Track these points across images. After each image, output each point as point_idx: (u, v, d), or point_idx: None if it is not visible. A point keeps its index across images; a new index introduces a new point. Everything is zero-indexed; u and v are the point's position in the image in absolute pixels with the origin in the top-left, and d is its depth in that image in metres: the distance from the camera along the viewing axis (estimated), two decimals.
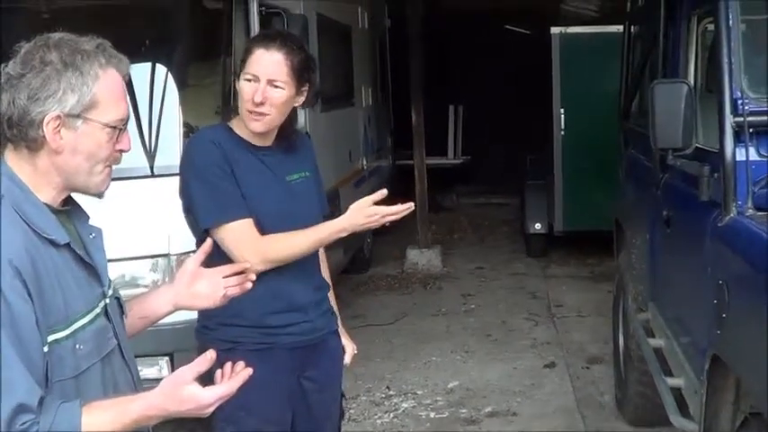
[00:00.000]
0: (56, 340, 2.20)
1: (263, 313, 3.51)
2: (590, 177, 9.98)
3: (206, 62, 6.25)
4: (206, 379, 2.67)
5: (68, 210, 2.40)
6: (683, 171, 4.40)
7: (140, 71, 5.93)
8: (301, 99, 3.51)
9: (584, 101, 10.01)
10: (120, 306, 2.54)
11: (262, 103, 3.38)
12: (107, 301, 2.41)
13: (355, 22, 10.92)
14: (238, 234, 3.40)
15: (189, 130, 5.76)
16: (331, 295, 3.82)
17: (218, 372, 2.42)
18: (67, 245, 2.29)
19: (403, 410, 6.59)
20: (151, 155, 5.68)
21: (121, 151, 2.37)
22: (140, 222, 5.48)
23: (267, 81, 3.38)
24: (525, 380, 7.08)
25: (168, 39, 6.17)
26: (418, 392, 6.91)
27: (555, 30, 10.41)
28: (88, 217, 2.50)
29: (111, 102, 2.30)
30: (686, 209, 4.44)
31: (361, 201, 3.37)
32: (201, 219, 3.44)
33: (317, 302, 3.66)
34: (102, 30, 2.57)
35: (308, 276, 3.62)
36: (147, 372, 5.41)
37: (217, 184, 3.41)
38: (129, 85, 5.91)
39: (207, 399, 2.32)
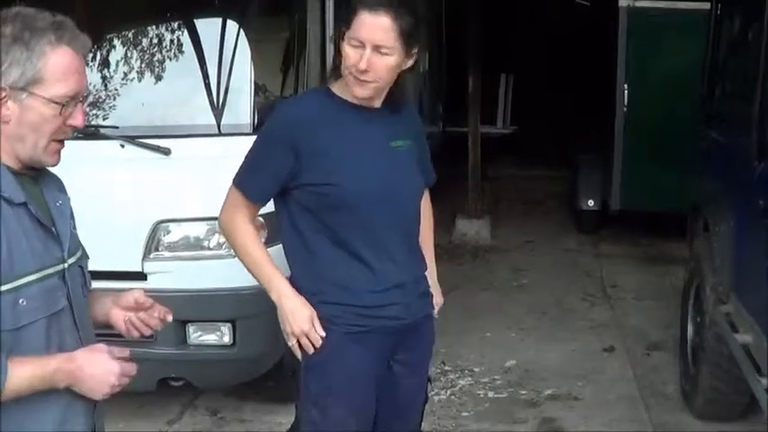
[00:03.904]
0: None
1: (359, 291, 3.32)
2: (653, 157, 9.66)
3: (278, 18, 6.03)
4: None
5: (35, 175, 2.48)
6: None
7: (211, 26, 5.77)
8: (411, 62, 3.30)
9: (651, 78, 9.64)
10: (84, 276, 2.60)
11: (366, 71, 3.18)
12: (66, 266, 2.46)
13: None
14: (229, 198, 3.42)
15: (258, 88, 5.59)
16: (431, 273, 3.63)
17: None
18: (23, 204, 2.37)
19: (460, 388, 6.41)
20: (219, 112, 5.51)
21: (72, 127, 2.44)
22: (206, 182, 5.29)
23: (373, 47, 3.16)
24: (585, 363, 6.87)
25: None
26: (475, 370, 6.73)
27: (623, 2, 10.04)
28: (61, 186, 2.61)
29: (59, 78, 2.35)
30: None
31: (310, 323, 3.29)
32: None
33: (415, 282, 3.46)
34: None
35: (405, 254, 3.42)
36: (208, 337, 5.28)
37: (260, 157, 3.36)
38: (198, 42, 5.83)
39: (114, 367, 2.42)
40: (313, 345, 3.30)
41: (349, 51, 3.20)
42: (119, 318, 2.70)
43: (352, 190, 3.26)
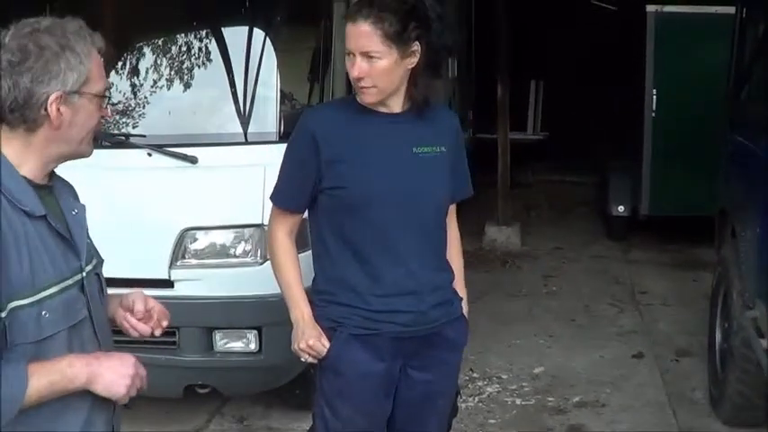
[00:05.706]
0: (19, 306, 2.31)
1: (367, 295, 3.38)
2: (681, 162, 9.65)
3: (304, 28, 6.06)
4: None
5: (51, 186, 2.53)
6: None
7: (237, 36, 5.80)
8: (413, 60, 3.31)
9: (678, 83, 9.61)
10: (101, 282, 2.65)
11: (361, 78, 3.26)
12: (83, 275, 2.51)
13: None
14: (271, 212, 3.58)
15: (285, 97, 5.62)
16: (457, 282, 3.63)
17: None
18: (43, 217, 2.41)
19: (488, 395, 6.41)
20: (245, 121, 5.55)
21: (104, 118, 2.59)
22: (232, 190, 5.34)
23: (361, 54, 3.25)
24: (613, 370, 6.85)
25: (266, 2, 5.99)
26: (503, 377, 6.72)
27: (650, 8, 10.00)
28: (75, 194, 2.66)
29: (98, 74, 2.48)
30: None
31: (320, 342, 3.40)
32: None
33: (432, 290, 3.45)
34: None
35: (422, 262, 3.42)
36: (234, 344, 5.30)
37: (285, 166, 3.49)
38: (225, 50, 5.83)
39: (129, 366, 2.44)
40: (320, 351, 3.40)
41: (347, 62, 3.33)
42: (120, 318, 2.73)
43: (362, 193, 3.31)
